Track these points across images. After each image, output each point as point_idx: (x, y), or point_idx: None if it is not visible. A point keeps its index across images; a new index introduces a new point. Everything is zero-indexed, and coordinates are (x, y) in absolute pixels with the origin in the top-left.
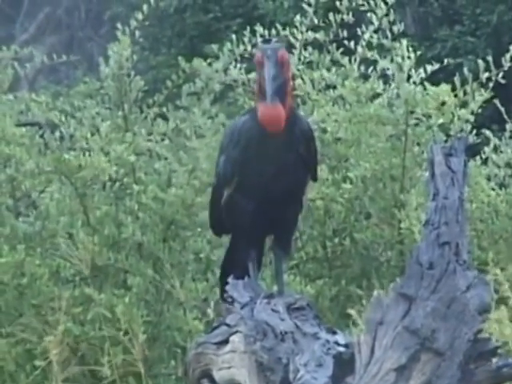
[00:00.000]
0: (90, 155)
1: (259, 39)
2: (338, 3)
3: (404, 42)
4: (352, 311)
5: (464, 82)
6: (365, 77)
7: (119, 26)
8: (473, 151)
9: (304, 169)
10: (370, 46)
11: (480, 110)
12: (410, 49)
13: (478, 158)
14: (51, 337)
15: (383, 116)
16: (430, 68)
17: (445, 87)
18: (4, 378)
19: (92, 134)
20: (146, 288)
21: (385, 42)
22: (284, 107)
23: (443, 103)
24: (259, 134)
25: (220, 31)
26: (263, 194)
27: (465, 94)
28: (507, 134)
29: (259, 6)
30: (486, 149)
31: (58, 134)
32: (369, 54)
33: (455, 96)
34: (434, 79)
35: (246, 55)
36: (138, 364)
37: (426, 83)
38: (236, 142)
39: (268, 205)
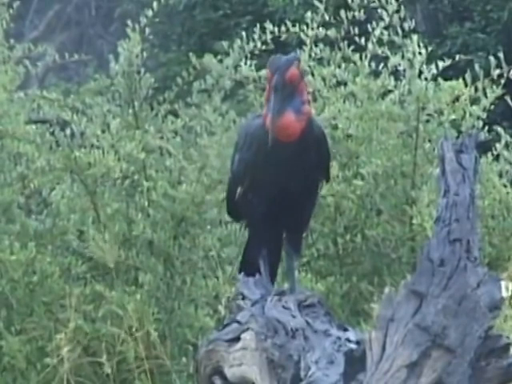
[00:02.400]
0: (100, 152)
1: (269, 36)
2: (349, 0)
3: (415, 38)
4: (373, 305)
5: (475, 79)
6: (375, 73)
7: (129, 23)
8: (484, 148)
9: (315, 172)
10: (380, 42)
11: (491, 107)
12: (421, 45)
13: (489, 154)
14: (62, 334)
15: (394, 113)
16: (441, 64)
17: (458, 82)
18: (15, 376)
19: (102, 132)
20: (156, 285)
21: (395, 38)
22: (298, 120)
23: (457, 98)
24: (272, 138)
25: (230, 28)
26: (274, 196)
27: (476, 90)
28: None
29: (269, 3)
30: (498, 145)
31: (68, 131)
32: (379, 51)
33: (468, 91)
34: (444, 76)
35: (256, 52)
36: (149, 361)
37: (438, 79)
38: (248, 146)
39: (279, 205)
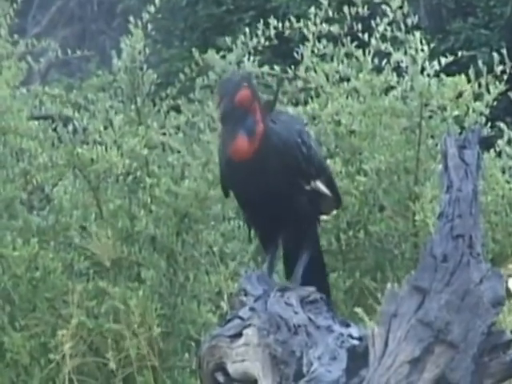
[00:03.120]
0: (103, 148)
1: (272, 32)
2: None
3: (417, 34)
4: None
5: (478, 75)
6: (378, 69)
7: (131, 18)
8: (487, 144)
9: (287, 178)
10: (383, 38)
11: (494, 103)
12: (424, 41)
13: (492, 150)
14: (64, 330)
15: (397, 108)
16: (444, 60)
17: (462, 78)
18: (18, 372)
19: (105, 128)
20: (159, 281)
21: (399, 34)
22: (251, 140)
23: (460, 94)
24: (227, 159)
25: (233, 24)
26: (251, 203)
27: (479, 86)
28: None
29: None
30: (500, 141)
31: (70, 127)
32: (383, 47)
33: (471, 87)
34: (447, 72)
35: (260, 48)
36: (152, 357)
37: (441, 75)
38: (219, 161)
39: (261, 210)
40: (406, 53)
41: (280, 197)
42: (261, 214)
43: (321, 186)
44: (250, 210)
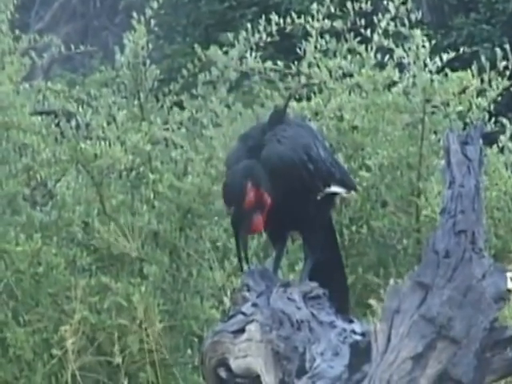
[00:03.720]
0: (106, 144)
1: (274, 28)
2: None
3: (418, 31)
4: (373, 302)
5: (481, 71)
6: (381, 65)
7: (134, 14)
8: (490, 139)
9: (295, 195)
10: (386, 34)
11: (497, 99)
12: (425, 38)
13: (494, 146)
14: (67, 326)
15: (400, 104)
16: (445, 57)
17: (466, 73)
18: (22, 367)
19: (108, 123)
20: (162, 277)
21: (402, 29)
22: (260, 218)
23: (463, 90)
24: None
25: (235, 20)
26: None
27: (482, 82)
28: None
29: None
30: (503, 137)
31: (73, 122)
32: (385, 43)
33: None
34: (450, 67)
35: (262, 44)
36: (154, 353)
37: (446, 70)
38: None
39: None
40: (409, 49)
41: (285, 210)
42: (271, 223)
43: (332, 188)
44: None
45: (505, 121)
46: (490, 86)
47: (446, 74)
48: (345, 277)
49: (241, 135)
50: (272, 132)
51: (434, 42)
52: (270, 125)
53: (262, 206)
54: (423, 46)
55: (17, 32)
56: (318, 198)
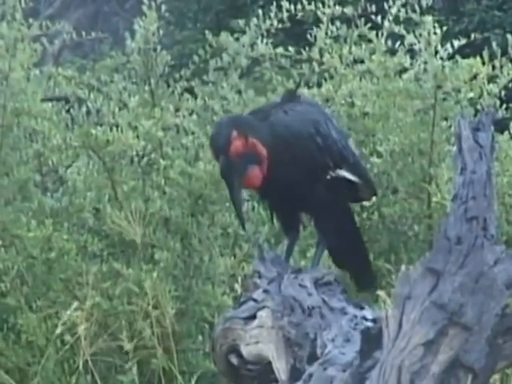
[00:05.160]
0: (118, 130)
1: (285, 14)
2: None
3: (429, 18)
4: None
5: (492, 57)
6: (392, 51)
7: (145, 0)
8: (501, 126)
9: (304, 169)
10: (397, 20)
11: (509, 85)
12: (436, 24)
13: (506, 132)
14: (79, 312)
15: (411, 90)
16: (457, 43)
17: (476, 60)
18: (34, 353)
19: (119, 109)
20: (174, 263)
21: (413, 16)
22: (259, 171)
23: (474, 76)
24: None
25: (246, 6)
26: (269, 196)
27: (493, 68)
28: None
29: None
30: None
31: (84, 108)
32: (396, 29)
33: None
34: (461, 54)
35: (273, 30)
36: (165, 339)
37: (456, 57)
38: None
39: (280, 201)
40: (420, 35)
41: (295, 187)
42: (279, 203)
43: (345, 173)
44: (269, 200)
45: None
46: (502, 72)
47: (457, 61)
48: (366, 252)
49: (252, 110)
50: (280, 106)
51: (445, 28)
52: (282, 102)
53: (256, 157)
54: (435, 33)
55: (28, 18)
56: (328, 177)
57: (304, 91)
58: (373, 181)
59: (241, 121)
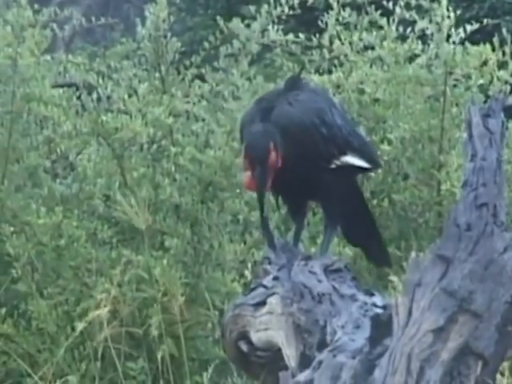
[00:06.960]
0: (127, 117)
1: (296, 1)
2: None
3: (444, 1)
4: (394, 278)
5: (502, 43)
6: (403, 38)
7: None
8: (511, 112)
9: (309, 159)
10: (408, 6)
11: None
12: (450, 8)
13: None
14: (89, 299)
15: (422, 77)
16: (469, 28)
17: (486, 47)
18: (44, 340)
19: (129, 96)
20: (183, 250)
21: (423, 2)
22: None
23: (484, 63)
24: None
25: None
26: (275, 184)
27: (503, 54)
28: None
29: None
30: None
31: (94, 95)
32: (407, 15)
33: (496, 55)
34: (472, 40)
35: (284, 17)
36: (175, 326)
37: (466, 43)
38: None
39: (286, 188)
40: (431, 21)
41: (301, 176)
42: (286, 190)
43: (351, 159)
44: (275, 187)
45: None
46: None
47: (466, 48)
48: (378, 232)
49: (257, 98)
50: (285, 96)
51: (457, 14)
52: (286, 90)
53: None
54: (448, 17)
55: (37, 6)
56: (334, 166)
57: (313, 78)
58: (377, 154)
59: (273, 132)
